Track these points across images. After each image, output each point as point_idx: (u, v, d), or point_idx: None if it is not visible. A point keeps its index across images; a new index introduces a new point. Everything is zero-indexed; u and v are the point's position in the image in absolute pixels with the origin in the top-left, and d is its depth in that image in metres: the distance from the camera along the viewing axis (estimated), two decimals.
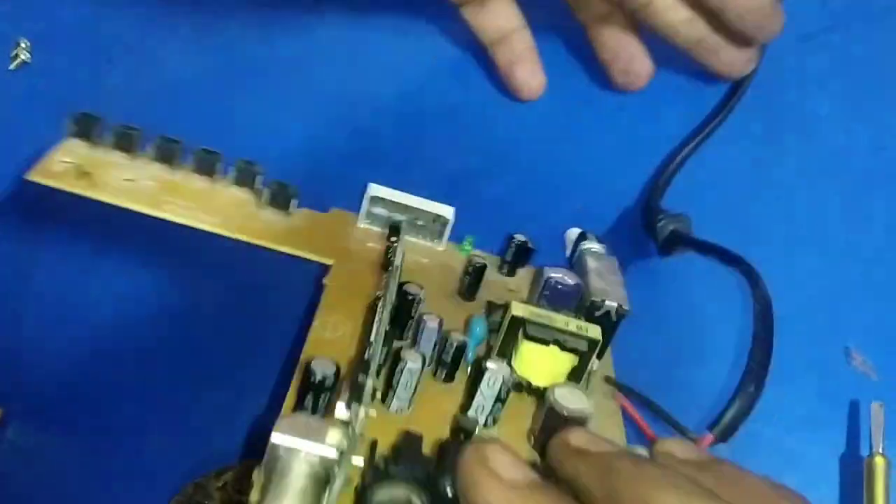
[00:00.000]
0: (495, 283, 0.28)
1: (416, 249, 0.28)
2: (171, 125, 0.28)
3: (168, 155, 0.27)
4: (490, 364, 0.22)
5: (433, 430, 0.22)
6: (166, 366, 0.29)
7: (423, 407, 0.22)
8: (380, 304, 0.22)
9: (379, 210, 0.28)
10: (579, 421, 0.22)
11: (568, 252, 0.30)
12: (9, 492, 0.28)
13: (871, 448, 0.27)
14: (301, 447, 0.18)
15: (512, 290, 0.28)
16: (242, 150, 0.29)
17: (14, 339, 0.29)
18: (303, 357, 0.22)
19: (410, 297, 0.24)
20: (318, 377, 0.20)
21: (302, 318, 0.25)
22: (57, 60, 0.29)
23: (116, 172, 0.27)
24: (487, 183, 0.30)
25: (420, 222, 0.28)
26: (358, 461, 0.19)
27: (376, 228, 0.28)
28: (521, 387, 0.23)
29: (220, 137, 0.28)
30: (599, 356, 0.25)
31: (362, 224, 0.28)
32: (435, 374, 0.23)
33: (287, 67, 0.30)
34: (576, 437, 0.20)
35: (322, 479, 0.18)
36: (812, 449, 0.28)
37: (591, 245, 0.29)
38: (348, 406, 0.19)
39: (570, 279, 0.25)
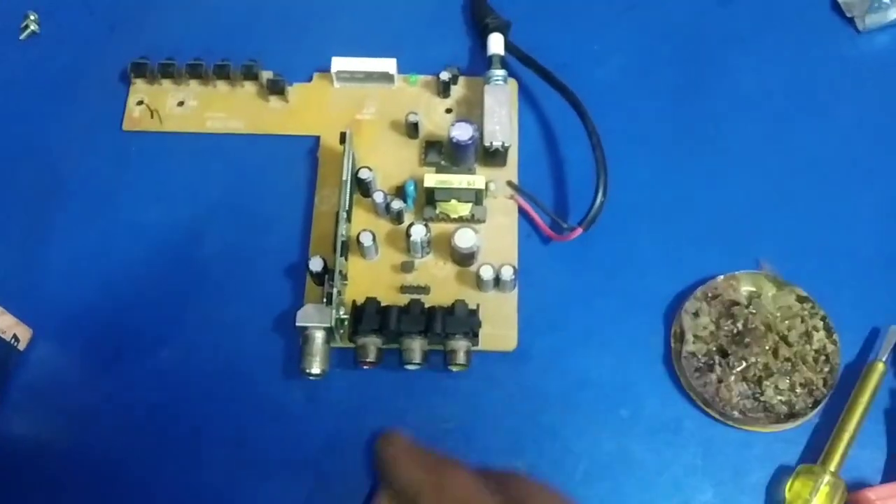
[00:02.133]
0: (433, 105, 0.39)
1: (377, 94, 0.40)
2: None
3: (197, 74, 0.40)
4: (412, 230, 0.36)
5: (393, 258, 0.37)
6: (192, 276, 0.36)
7: (386, 247, 0.38)
8: (340, 209, 0.36)
9: (345, 74, 0.39)
10: (470, 254, 0.36)
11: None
12: (38, 405, 0.34)
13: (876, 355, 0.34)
14: (314, 326, 0.35)
15: (448, 110, 0.39)
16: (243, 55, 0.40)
17: (44, 262, 0.36)
18: (312, 236, 0.38)
19: (365, 180, 0.37)
20: (315, 270, 0.36)
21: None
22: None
23: (170, 100, 0.40)
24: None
25: (375, 74, 0.39)
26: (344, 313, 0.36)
27: (348, 85, 0.40)
28: (447, 218, 0.37)
29: (220, 50, 0.40)
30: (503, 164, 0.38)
31: (338, 85, 0.40)
32: (392, 221, 0.38)
33: None
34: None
35: (327, 336, 0.35)
36: None
37: (495, 72, 0.38)
38: (331, 280, 0.35)
39: (466, 135, 0.36)
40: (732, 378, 0.34)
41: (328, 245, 0.36)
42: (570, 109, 0.37)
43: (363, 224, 0.36)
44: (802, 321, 0.35)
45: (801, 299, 0.35)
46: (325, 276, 0.34)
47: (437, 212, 0.36)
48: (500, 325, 0.35)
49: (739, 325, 0.35)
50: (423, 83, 0.39)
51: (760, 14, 0.42)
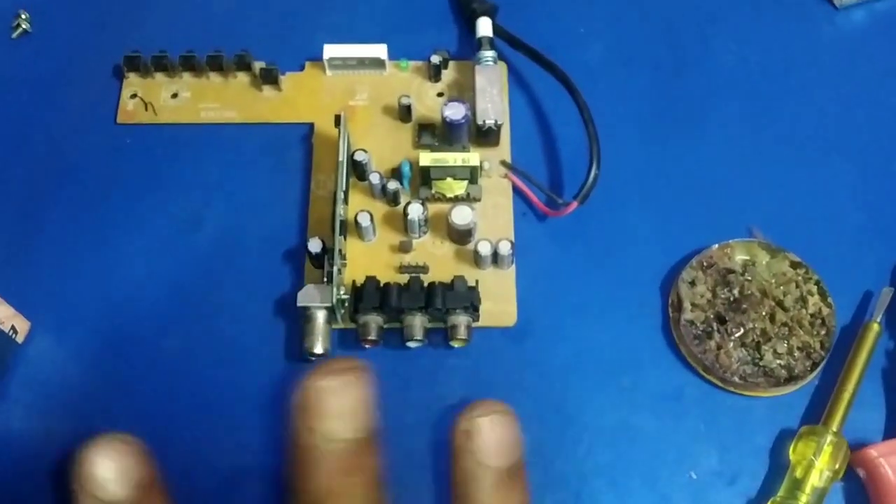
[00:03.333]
0: (424, 89, 0.40)
1: (368, 80, 0.40)
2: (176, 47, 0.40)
3: (190, 66, 0.40)
4: (409, 209, 0.36)
5: (390, 239, 0.37)
6: (192, 270, 0.36)
7: (383, 229, 0.38)
8: (337, 189, 0.36)
9: (337, 61, 0.40)
10: (467, 231, 0.36)
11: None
12: (39, 399, 0.33)
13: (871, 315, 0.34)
14: (316, 305, 0.35)
15: (440, 94, 0.40)
16: (235, 46, 0.40)
17: (41, 255, 0.36)
18: (310, 220, 0.38)
19: (360, 162, 0.37)
20: (314, 251, 0.36)
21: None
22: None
23: (164, 92, 0.40)
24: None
25: (367, 60, 0.40)
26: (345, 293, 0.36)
27: (340, 72, 0.40)
28: (442, 197, 0.38)
29: (211, 41, 0.40)
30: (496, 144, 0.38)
31: (330, 73, 0.40)
32: (388, 203, 0.38)
33: None
34: None
35: (329, 316, 0.35)
36: None
37: (485, 53, 0.39)
38: (331, 259, 0.35)
39: (459, 114, 0.37)
40: (731, 344, 0.34)
41: (326, 228, 0.36)
42: (560, 89, 0.38)
43: (360, 207, 0.37)
44: (797, 286, 0.35)
45: (794, 265, 0.35)
46: (325, 256, 0.34)
47: (433, 192, 0.36)
48: (499, 301, 0.35)
49: (735, 292, 0.35)
50: (414, 69, 0.40)
51: None
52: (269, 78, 0.39)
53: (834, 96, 0.40)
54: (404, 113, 0.38)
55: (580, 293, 0.36)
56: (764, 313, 0.35)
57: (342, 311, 0.34)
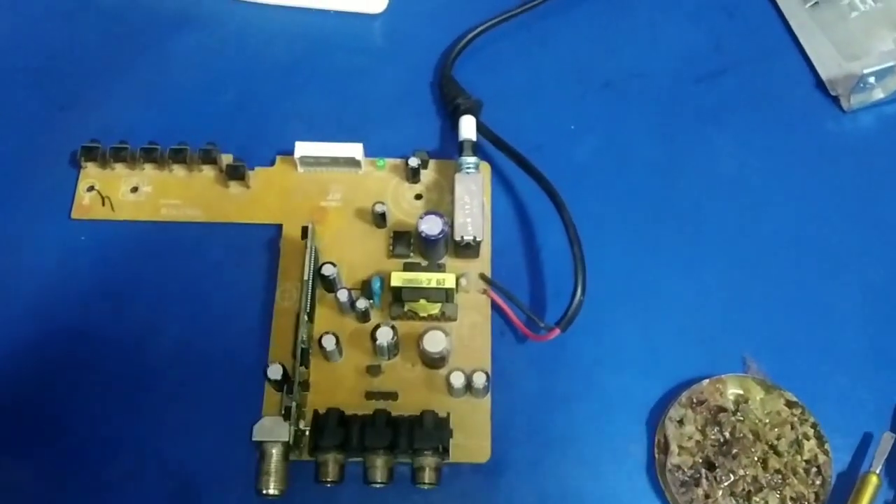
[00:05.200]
0: (402, 191, 0.37)
1: (342, 179, 0.37)
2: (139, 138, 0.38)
3: (152, 158, 0.38)
4: (377, 333, 0.34)
5: (358, 359, 0.34)
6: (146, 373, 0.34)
7: (350, 348, 0.35)
8: (301, 311, 0.34)
9: (309, 159, 0.37)
10: (440, 358, 0.34)
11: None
12: None
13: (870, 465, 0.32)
14: (272, 441, 0.32)
15: (418, 196, 0.37)
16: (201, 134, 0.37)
17: None
18: (272, 335, 0.35)
19: (328, 277, 0.35)
20: (274, 378, 0.33)
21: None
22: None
23: (123, 186, 0.38)
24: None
25: (341, 159, 0.37)
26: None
27: (313, 169, 0.38)
28: (415, 316, 0.35)
29: (176, 130, 0.38)
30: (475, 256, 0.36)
31: (301, 170, 0.38)
32: (357, 319, 0.36)
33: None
34: None
35: (286, 450, 0.33)
36: None
37: (466, 160, 0.36)
38: (290, 392, 0.33)
39: (435, 229, 0.34)
40: (720, 493, 0.32)
41: (289, 346, 0.33)
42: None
43: (327, 322, 0.34)
44: (792, 428, 0.33)
45: (790, 404, 0.33)
46: (285, 384, 0.32)
47: (406, 309, 0.34)
48: (471, 435, 0.33)
49: (726, 433, 0.33)
50: (392, 167, 0.37)
51: (740, 91, 0.40)
52: (237, 174, 0.36)
53: (839, 207, 0.37)
54: (378, 219, 0.35)
55: (560, 426, 0.34)
56: (756, 458, 0.32)
57: (301, 444, 0.32)
